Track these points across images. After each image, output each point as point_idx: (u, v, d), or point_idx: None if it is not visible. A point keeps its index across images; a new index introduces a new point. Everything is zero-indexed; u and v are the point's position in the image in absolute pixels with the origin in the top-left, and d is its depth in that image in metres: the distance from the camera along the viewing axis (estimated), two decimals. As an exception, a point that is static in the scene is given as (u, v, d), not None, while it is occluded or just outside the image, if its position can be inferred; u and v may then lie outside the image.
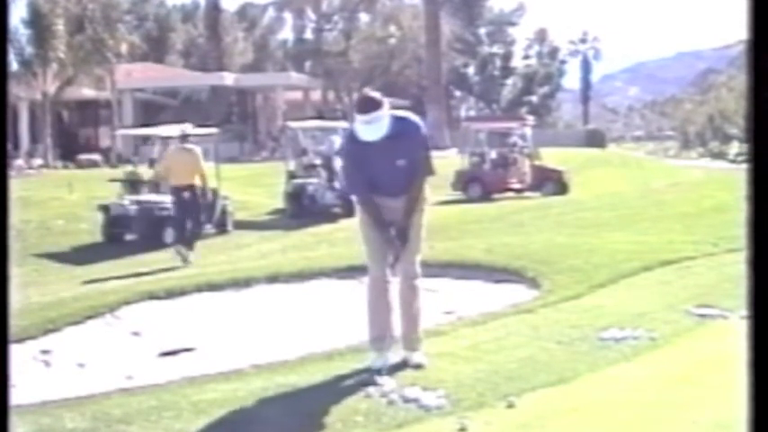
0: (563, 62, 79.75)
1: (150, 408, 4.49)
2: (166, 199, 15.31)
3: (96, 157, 36.56)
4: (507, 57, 74.23)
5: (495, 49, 73.42)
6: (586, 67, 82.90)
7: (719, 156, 59.02)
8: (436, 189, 9.84)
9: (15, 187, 15.30)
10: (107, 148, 39.37)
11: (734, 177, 15.79)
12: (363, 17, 59.25)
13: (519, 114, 46.64)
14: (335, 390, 4.67)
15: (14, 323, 5.47)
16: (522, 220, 14.49)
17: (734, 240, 8.11)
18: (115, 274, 11.93)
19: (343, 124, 21.18)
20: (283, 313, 7.68)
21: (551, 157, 25.56)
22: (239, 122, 46.06)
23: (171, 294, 8.34)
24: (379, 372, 4.85)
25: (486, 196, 22.52)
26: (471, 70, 71.20)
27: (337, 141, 17.75)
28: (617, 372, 4.88)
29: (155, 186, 17.12)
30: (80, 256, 15.44)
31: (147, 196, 16.98)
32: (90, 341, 7.01)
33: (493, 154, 24.40)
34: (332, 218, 17.73)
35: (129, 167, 19.41)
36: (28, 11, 37.91)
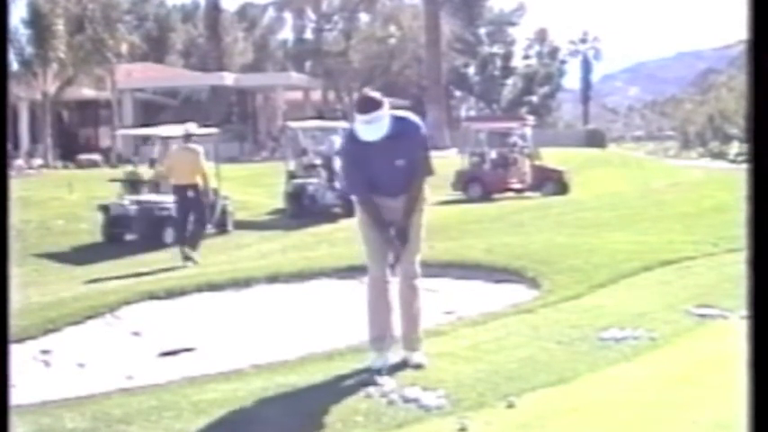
0: (563, 62, 79.79)
1: (150, 408, 4.49)
2: (166, 199, 15.32)
3: (96, 157, 36.56)
4: (507, 57, 74.23)
5: (496, 49, 73.43)
6: (586, 67, 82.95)
7: (719, 156, 59.04)
8: (436, 189, 9.86)
9: (15, 187, 15.33)
10: (107, 148, 39.37)
11: (734, 177, 15.80)
12: (363, 17, 59.28)
13: (519, 114, 46.64)
14: (335, 390, 4.67)
15: (14, 323, 5.47)
16: (523, 220, 14.48)
17: (734, 240, 8.12)
18: (115, 274, 11.93)
19: (343, 124, 21.17)
20: (283, 313, 7.68)
21: (551, 157, 25.56)
22: (239, 122, 46.07)
23: (171, 294, 8.34)
24: (379, 372, 4.85)
25: (486, 196, 22.52)
26: (471, 70, 71.20)
27: (337, 141, 17.74)
28: (617, 372, 4.88)
29: (155, 186, 17.14)
30: (80, 256, 15.44)
31: (147, 196, 16.98)
32: (90, 341, 7.01)
33: (493, 154, 24.39)
34: (332, 218, 17.73)
35: (129, 167, 19.40)
36: (28, 11, 37.96)
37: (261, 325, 7.26)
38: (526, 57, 77.70)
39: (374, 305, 5.13)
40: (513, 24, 74.65)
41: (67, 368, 6.32)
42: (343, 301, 7.58)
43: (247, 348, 6.25)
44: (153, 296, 8.26)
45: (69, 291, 9.93)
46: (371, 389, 4.57)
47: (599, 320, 6.00)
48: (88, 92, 41.17)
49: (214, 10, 55.06)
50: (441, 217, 13.21)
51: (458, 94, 71.50)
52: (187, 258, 12.75)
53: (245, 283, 8.75)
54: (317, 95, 50.16)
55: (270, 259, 12.05)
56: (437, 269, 7.91)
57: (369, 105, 4.86)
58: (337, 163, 16.29)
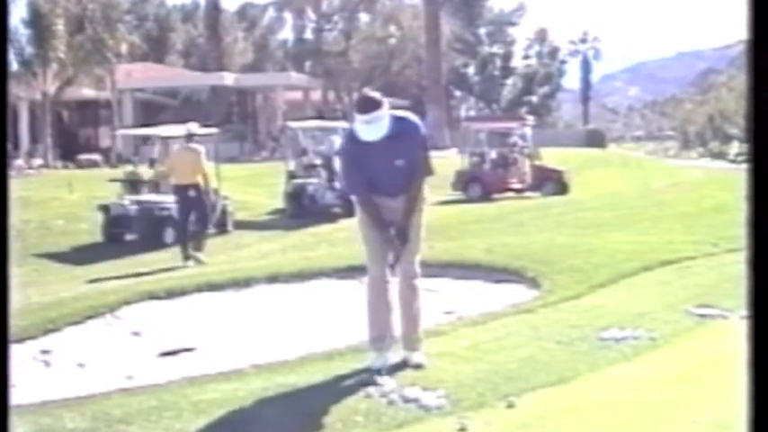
0: (563, 62, 79.78)
1: (150, 408, 4.49)
2: (167, 199, 15.33)
3: (96, 157, 36.56)
4: (507, 57, 74.24)
5: (495, 49, 73.44)
6: (586, 67, 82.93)
7: (719, 156, 59.03)
8: (436, 189, 9.87)
9: (15, 187, 15.30)
10: (107, 148, 39.36)
11: (734, 177, 15.79)
12: (363, 17, 59.28)
13: (519, 114, 46.61)
14: (335, 390, 4.67)
15: (14, 323, 5.47)
16: (522, 220, 14.48)
17: (734, 240, 8.11)
18: (115, 274, 11.93)
19: (343, 124, 21.17)
20: (283, 313, 7.68)
21: (551, 157, 25.56)
22: (239, 122, 46.07)
23: (171, 294, 8.34)
24: (379, 372, 4.85)
25: (486, 196, 22.51)
26: (471, 70, 71.21)
27: (337, 141, 17.74)
28: (617, 372, 4.88)
29: (155, 186, 17.14)
30: (80, 256, 15.44)
31: (147, 196, 16.99)
32: (90, 341, 7.01)
33: (493, 154, 24.39)
34: (332, 218, 17.73)
35: (129, 167, 19.41)
36: (28, 11, 37.96)
37: (261, 325, 7.26)
38: (526, 57, 77.74)
39: (374, 305, 5.13)
40: (512, 24, 74.66)
41: (67, 368, 6.32)
42: (343, 301, 7.57)
43: (247, 348, 6.25)
44: (153, 296, 8.26)
45: (69, 291, 9.93)
46: (371, 389, 4.57)
47: (599, 320, 6.00)
48: (88, 92, 41.17)
49: (214, 10, 55.09)
50: (440, 217, 13.21)
51: (458, 94, 71.51)
52: (187, 258, 12.76)
53: (245, 283, 8.75)
54: (316, 95, 50.16)
55: (270, 259, 12.05)
56: (437, 269, 7.90)
57: (369, 105, 4.86)
58: (337, 163, 16.28)
